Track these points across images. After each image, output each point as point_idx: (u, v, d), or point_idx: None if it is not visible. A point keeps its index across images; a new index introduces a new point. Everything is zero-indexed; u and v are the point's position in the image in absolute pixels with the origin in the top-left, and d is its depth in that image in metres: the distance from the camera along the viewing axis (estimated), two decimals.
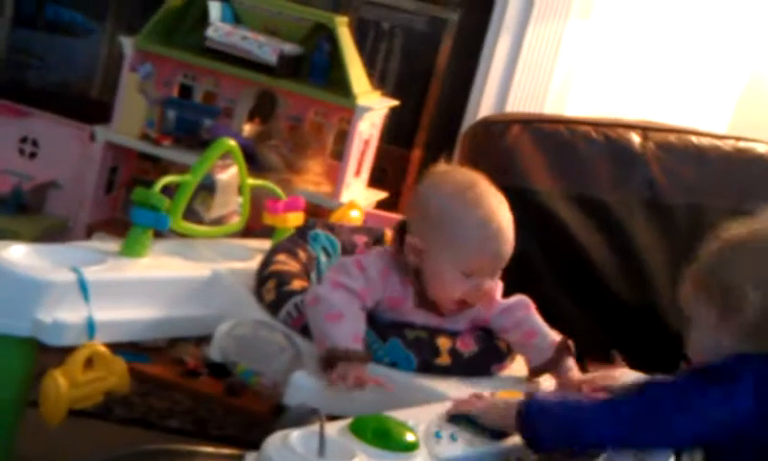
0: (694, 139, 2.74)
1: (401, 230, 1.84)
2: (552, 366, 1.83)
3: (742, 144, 2.75)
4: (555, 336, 1.86)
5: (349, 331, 1.73)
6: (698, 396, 1.49)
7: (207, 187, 2.27)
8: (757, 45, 3.05)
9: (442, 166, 1.88)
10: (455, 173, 1.87)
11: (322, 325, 1.75)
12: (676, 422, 1.50)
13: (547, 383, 1.83)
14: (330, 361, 1.70)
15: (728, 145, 2.75)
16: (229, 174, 2.28)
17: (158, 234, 2.03)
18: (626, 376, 1.81)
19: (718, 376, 1.50)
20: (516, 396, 1.69)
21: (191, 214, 2.17)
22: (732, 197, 2.69)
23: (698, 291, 1.59)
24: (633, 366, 1.98)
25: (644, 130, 2.71)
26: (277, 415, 1.82)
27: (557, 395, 1.68)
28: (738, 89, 3.07)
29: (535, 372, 1.85)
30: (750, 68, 3.08)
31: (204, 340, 2.25)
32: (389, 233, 2.00)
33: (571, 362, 1.83)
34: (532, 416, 1.56)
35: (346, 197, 2.78)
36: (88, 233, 2.88)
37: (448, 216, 1.77)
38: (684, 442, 1.53)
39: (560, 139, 2.64)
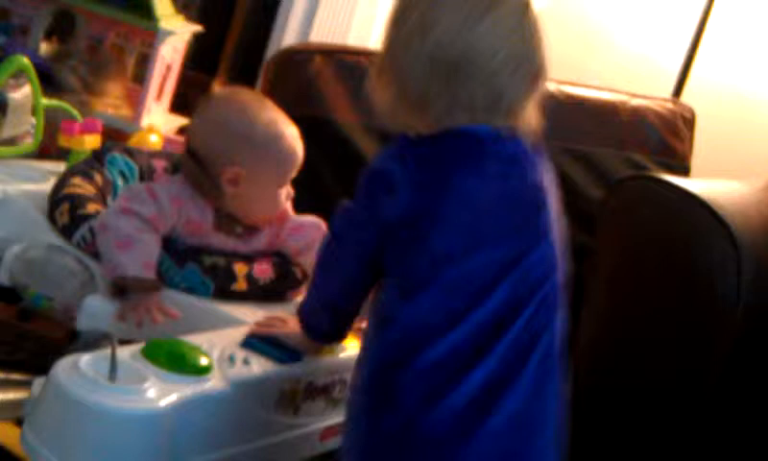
0: None
1: (195, 158, 1.82)
2: None
3: None
4: None
5: (139, 259, 1.70)
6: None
7: None
8: None
9: (221, 93, 1.91)
10: (244, 96, 1.89)
11: (111, 252, 1.72)
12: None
13: None
14: (120, 289, 1.68)
15: None
16: (22, 93, 2.21)
17: None
18: None
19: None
20: None
21: None
22: None
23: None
24: None
25: None
26: (73, 341, 1.80)
27: None
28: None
29: None
30: None
31: None
32: None
33: None
34: (303, 308, 1.56)
35: (146, 121, 2.74)
36: None
37: (270, 138, 1.81)
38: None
39: (361, 72, 2.66)
